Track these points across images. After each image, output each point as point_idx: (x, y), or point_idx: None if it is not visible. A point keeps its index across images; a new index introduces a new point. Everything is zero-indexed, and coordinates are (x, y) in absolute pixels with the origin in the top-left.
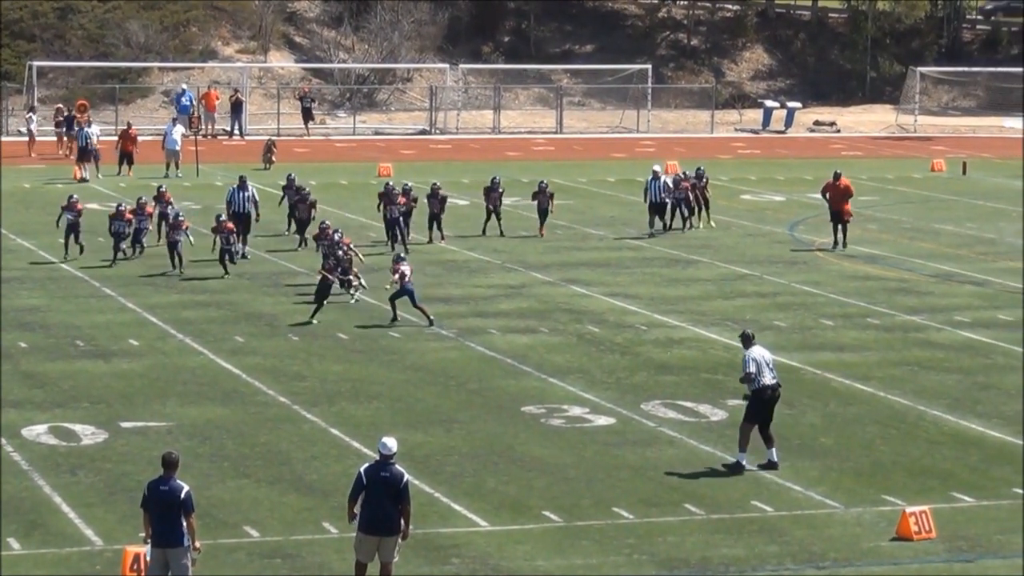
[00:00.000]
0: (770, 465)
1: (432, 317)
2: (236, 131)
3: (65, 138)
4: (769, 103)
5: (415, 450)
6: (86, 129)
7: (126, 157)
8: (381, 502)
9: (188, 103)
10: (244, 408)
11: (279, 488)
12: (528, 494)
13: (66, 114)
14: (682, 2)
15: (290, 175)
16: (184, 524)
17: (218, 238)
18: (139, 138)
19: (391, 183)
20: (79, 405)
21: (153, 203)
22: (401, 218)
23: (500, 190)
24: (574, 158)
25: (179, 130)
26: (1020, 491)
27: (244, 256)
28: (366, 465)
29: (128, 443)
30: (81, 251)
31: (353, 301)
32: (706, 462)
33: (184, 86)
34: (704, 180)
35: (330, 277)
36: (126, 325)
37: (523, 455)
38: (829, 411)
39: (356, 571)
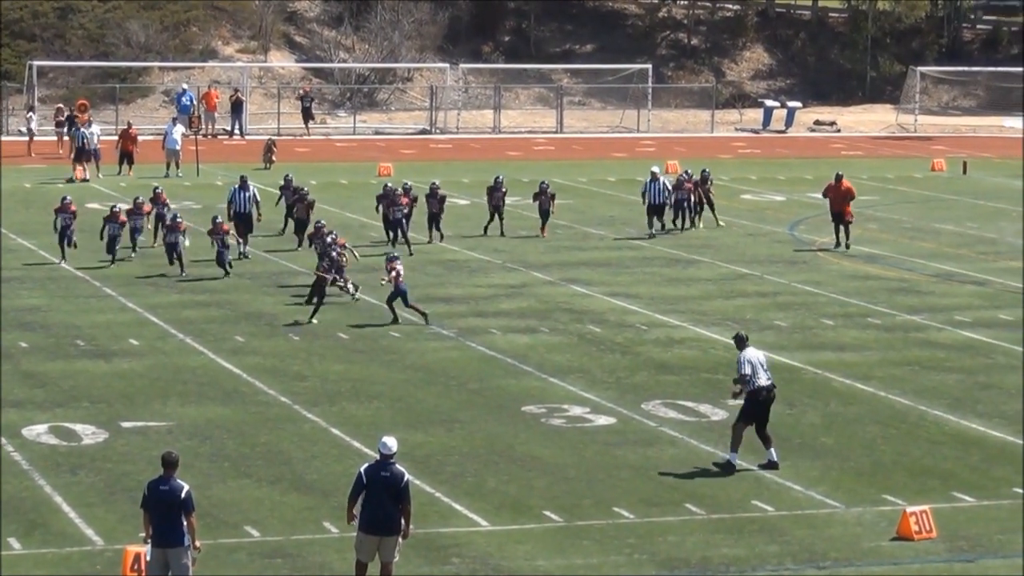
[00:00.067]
0: (770, 465)
1: (426, 313)
2: (236, 131)
3: (65, 138)
4: (769, 103)
5: (416, 450)
6: (83, 129)
7: (126, 157)
8: (382, 502)
9: (188, 103)
10: (245, 408)
11: (280, 488)
12: (529, 494)
13: (67, 114)
14: (682, 2)
15: (288, 175)
16: (184, 524)
17: (215, 240)
18: (139, 138)
19: (390, 184)
20: (79, 405)
21: (150, 204)
22: (404, 219)
23: (503, 190)
24: (574, 158)
25: (179, 130)
26: (1021, 491)
27: (245, 256)
28: (366, 465)
29: (129, 443)
30: (74, 247)
31: (355, 299)
32: (707, 462)
33: (185, 86)
34: (709, 182)
35: (327, 277)
36: (126, 325)
37: (524, 455)
38: (830, 411)
39: (356, 571)
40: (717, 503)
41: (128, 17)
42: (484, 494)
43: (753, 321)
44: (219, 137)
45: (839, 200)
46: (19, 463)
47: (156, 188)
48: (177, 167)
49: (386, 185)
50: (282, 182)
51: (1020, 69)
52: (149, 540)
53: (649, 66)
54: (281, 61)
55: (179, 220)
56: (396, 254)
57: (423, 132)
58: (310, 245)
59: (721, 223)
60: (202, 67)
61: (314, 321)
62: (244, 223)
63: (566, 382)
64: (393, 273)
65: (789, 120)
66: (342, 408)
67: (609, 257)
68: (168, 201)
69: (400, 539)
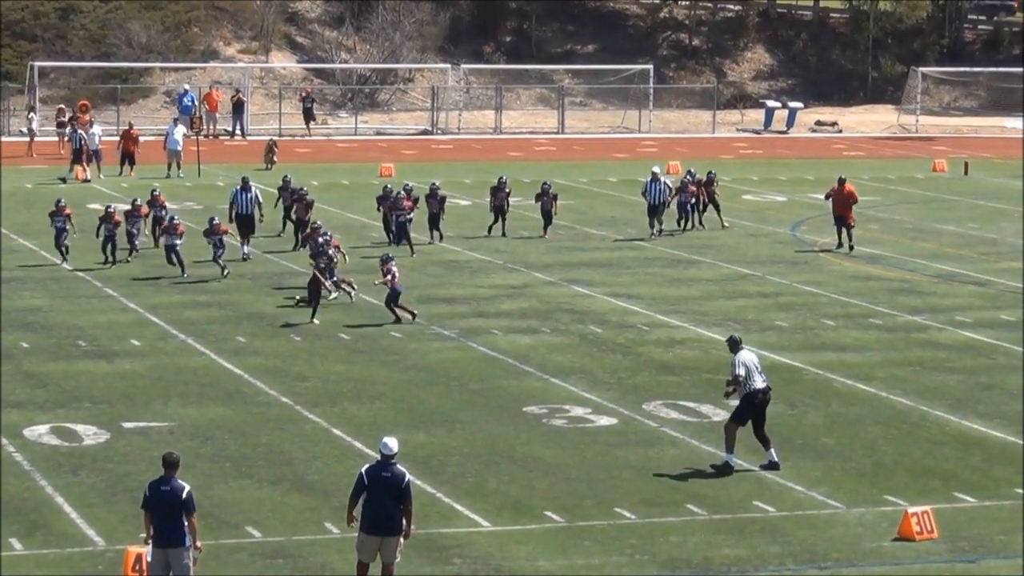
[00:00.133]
0: (771, 465)
1: (414, 311)
2: (238, 131)
3: (66, 139)
4: (771, 103)
5: (417, 450)
6: (79, 130)
7: (127, 157)
8: (383, 502)
9: (190, 103)
10: (246, 408)
11: (281, 488)
12: (530, 494)
13: (69, 115)
14: (684, 2)
15: (286, 176)
16: (185, 524)
17: (211, 241)
18: (141, 138)
19: (389, 185)
20: (81, 405)
21: (147, 206)
22: (407, 222)
23: (507, 190)
24: (576, 158)
25: (180, 130)
26: (1022, 491)
27: (246, 257)
28: (367, 465)
29: (130, 443)
30: (66, 251)
31: (351, 300)
32: (708, 462)
33: (186, 86)
34: (715, 183)
35: (321, 278)
36: (128, 325)
37: (525, 455)
38: (831, 411)
39: (358, 571)
40: (718, 503)
41: (129, 18)
42: (485, 494)
43: (754, 321)
44: (220, 138)
45: (841, 204)
46: (20, 463)
47: (154, 190)
48: (178, 168)
49: (386, 186)
50: (280, 183)
51: (1021, 69)
52: (150, 541)
53: (650, 67)
54: (282, 62)
55: (177, 222)
56: (392, 255)
57: (424, 133)
58: (304, 245)
59: (726, 224)
60: (203, 68)
61: (315, 321)
62: (246, 224)
63: (567, 383)
64: (388, 276)
65: (790, 121)
66: (343, 408)
67: (610, 258)
68: (166, 203)
69: (401, 539)
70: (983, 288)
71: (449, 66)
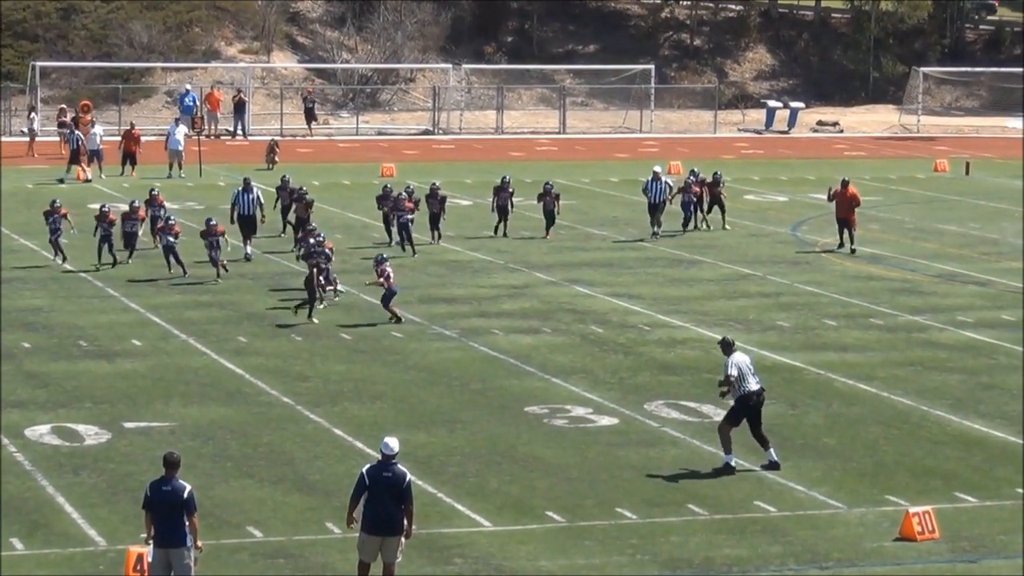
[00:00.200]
0: (772, 465)
1: (400, 317)
2: (239, 131)
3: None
4: (772, 103)
5: (418, 450)
6: (76, 131)
7: (129, 157)
8: (384, 502)
9: (191, 103)
10: (247, 408)
11: (282, 488)
12: (531, 494)
13: (72, 115)
14: (685, 2)
15: (284, 176)
16: (187, 524)
17: (208, 241)
18: (142, 138)
19: (389, 185)
20: (82, 405)
21: (144, 206)
22: (408, 223)
23: (510, 190)
24: (577, 158)
25: (182, 130)
26: (1023, 491)
27: (248, 258)
28: (368, 465)
29: (131, 443)
30: (55, 255)
31: (336, 299)
32: (709, 462)
33: (188, 86)
34: (721, 184)
35: (318, 278)
36: (129, 325)
37: (526, 455)
38: (832, 411)
39: (359, 571)
40: (719, 503)
41: (131, 18)
42: (486, 494)
43: (756, 321)
44: (222, 138)
45: (844, 206)
46: (22, 463)
47: (152, 189)
48: (180, 168)
49: (386, 186)
50: (279, 183)
51: (1022, 70)
52: (151, 541)
53: (652, 67)
54: (284, 62)
55: (172, 222)
56: (386, 256)
57: (426, 133)
58: (298, 245)
59: (727, 226)
60: (205, 68)
61: (314, 320)
62: (248, 225)
63: (568, 383)
64: (382, 277)
65: (792, 121)
66: (344, 408)
67: (611, 258)
68: (164, 202)
69: (403, 539)
70: (984, 288)
71: (450, 66)
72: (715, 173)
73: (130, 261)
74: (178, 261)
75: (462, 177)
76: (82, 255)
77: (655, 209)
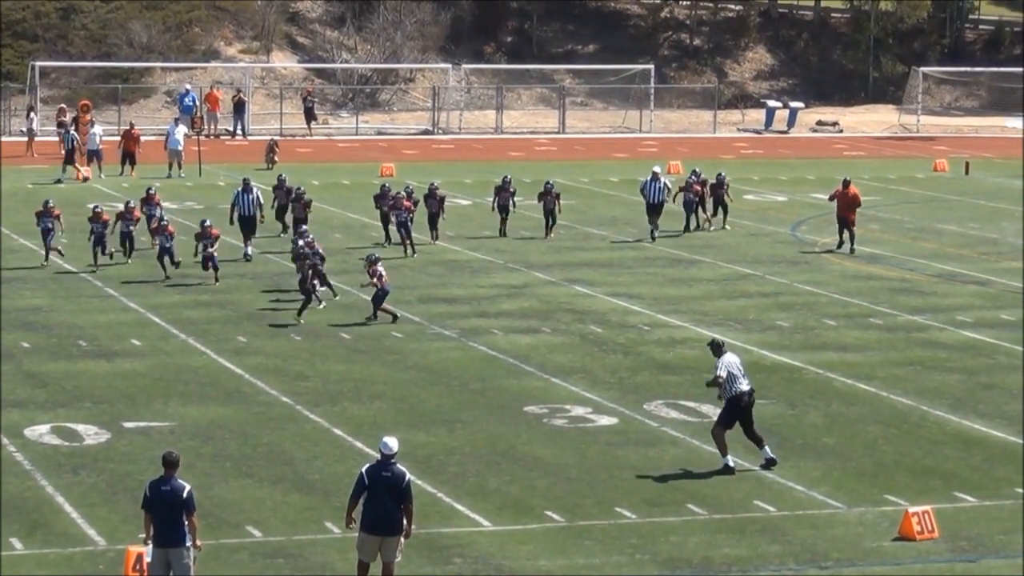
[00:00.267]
0: (769, 463)
1: (378, 315)
2: (239, 131)
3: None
4: (772, 103)
5: (417, 450)
6: (72, 131)
7: (128, 157)
8: (383, 502)
9: (191, 103)
10: (247, 408)
11: (282, 488)
12: (530, 494)
13: (72, 115)
14: (684, 2)
15: (281, 176)
16: (186, 524)
17: (201, 244)
18: (142, 138)
19: (387, 185)
20: (82, 405)
21: (141, 205)
22: (407, 221)
23: (511, 190)
24: (576, 158)
25: (181, 130)
26: (1022, 491)
27: (248, 258)
28: (367, 465)
29: (131, 443)
30: (58, 252)
31: (335, 297)
32: (709, 462)
33: (187, 86)
34: (725, 185)
35: (314, 280)
36: (128, 325)
37: (525, 455)
38: (831, 411)
39: (358, 571)
40: (719, 503)
41: (130, 17)
42: (486, 494)
43: (755, 321)
44: (221, 137)
45: (845, 206)
46: (21, 463)
47: (149, 188)
48: (179, 167)
49: (383, 185)
50: (275, 182)
51: (1022, 69)
52: (150, 541)
53: (651, 66)
54: (283, 62)
55: (166, 223)
56: (377, 255)
57: (425, 132)
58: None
59: (727, 227)
60: (204, 68)
61: (301, 320)
62: (248, 225)
63: (568, 382)
64: (375, 278)
65: (791, 120)
66: (344, 408)
67: (611, 257)
68: (161, 202)
69: (402, 539)
70: (984, 288)
71: (450, 66)
72: (719, 174)
73: (129, 261)
74: (172, 262)
75: (462, 177)
76: (81, 255)
77: (653, 210)
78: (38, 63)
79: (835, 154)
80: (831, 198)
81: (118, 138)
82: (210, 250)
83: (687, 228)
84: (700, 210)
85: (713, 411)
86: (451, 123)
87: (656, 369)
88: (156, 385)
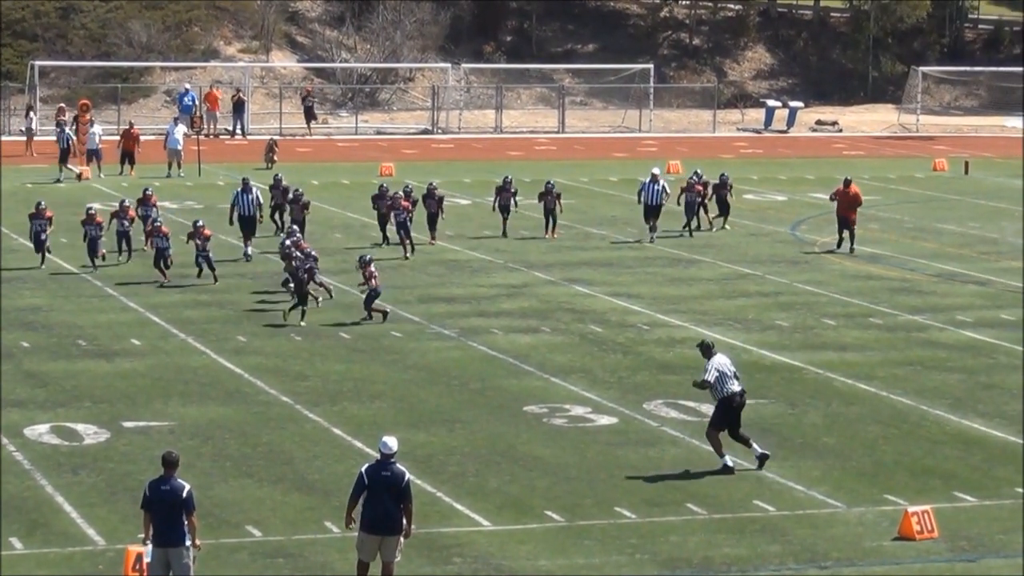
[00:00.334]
0: (762, 458)
1: (375, 314)
2: (238, 131)
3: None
4: (771, 103)
5: (417, 450)
6: (67, 130)
7: (128, 157)
8: (383, 501)
9: (190, 103)
10: (246, 408)
11: (281, 488)
12: (530, 494)
13: (73, 115)
14: (684, 2)
15: (277, 176)
16: (185, 523)
17: (195, 244)
18: (141, 138)
19: (385, 185)
20: (81, 405)
21: (137, 205)
22: (407, 221)
23: (512, 189)
24: (576, 158)
25: (181, 130)
26: (1022, 491)
27: (248, 257)
28: (367, 465)
29: (130, 443)
30: (48, 252)
31: (330, 297)
32: (708, 462)
33: (187, 86)
34: (729, 186)
35: (311, 281)
36: (128, 325)
37: (525, 455)
38: (831, 411)
39: (358, 571)
40: (719, 503)
41: (130, 17)
42: (486, 494)
43: (755, 321)
44: (221, 137)
45: (846, 205)
46: (21, 463)
47: (146, 190)
48: (179, 167)
49: (381, 186)
50: (271, 182)
51: (1021, 69)
52: (149, 541)
53: (651, 66)
54: (283, 61)
55: (159, 223)
56: (370, 257)
57: (425, 132)
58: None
59: (727, 227)
60: (204, 67)
61: (286, 320)
62: (248, 225)
63: (568, 382)
64: (371, 279)
65: (791, 120)
66: (343, 408)
67: (611, 257)
68: (157, 203)
69: (402, 539)
70: (983, 287)
71: (449, 65)
72: (722, 175)
73: (127, 260)
74: (166, 264)
75: (461, 176)
76: (80, 255)
77: (651, 212)
78: (37, 62)
79: (835, 154)
80: (832, 197)
81: (117, 138)
82: (206, 251)
83: (688, 228)
84: (703, 211)
85: (712, 410)
86: (450, 123)
87: (656, 369)
88: (156, 385)
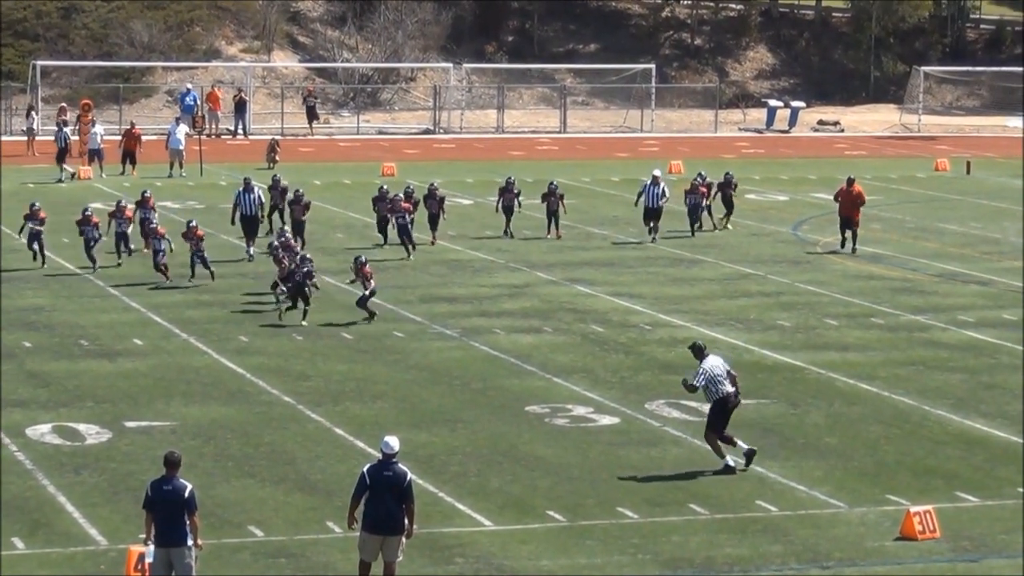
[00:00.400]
0: (749, 454)
1: (375, 314)
2: (240, 131)
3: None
4: (773, 102)
5: (419, 449)
6: (65, 130)
7: (129, 157)
8: (385, 501)
9: (192, 103)
10: (248, 408)
11: (283, 488)
12: (532, 494)
13: (76, 115)
14: (686, 1)
15: (275, 176)
16: (187, 523)
17: (189, 244)
18: (143, 138)
19: (385, 187)
20: (83, 405)
21: (135, 207)
22: (407, 224)
23: (515, 191)
24: (578, 157)
25: (183, 130)
26: None
27: (251, 257)
28: (369, 465)
29: (132, 443)
30: (35, 258)
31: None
32: (710, 462)
33: (189, 86)
34: (733, 185)
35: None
36: (130, 325)
37: (527, 455)
38: (833, 411)
39: (360, 570)
40: (721, 503)
41: (131, 17)
42: (487, 494)
43: (757, 321)
44: (223, 137)
45: (849, 204)
46: (23, 463)
47: (145, 192)
48: (180, 167)
49: (382, 187)
50: (270, 182)
51: (1023, 69)
52: (150, 541)
53: (653, 66)
54: (284, 61)
55: (155, 225)
56: (366, 258)
57: (426, 132)
58: (303, 246)
59: (729, 226)
60: (205, 67)
61: (282, 320)
62: (250, 225)
63: (569, 382)
64: (370, 279)
65: (792, 120)
66: (346, 408)
67: (612, 257)
68: (155, 206)
69: (403, 539)
70: (985, 287)
71: (451, 65)
72: (727, 174)
73: (127, 256)
74: (163, 267)
75: (463, 176)
76: (79, 255)
77: (651, 215)
78: (39, 62)
79: (836, 154)
80: (836, 198)
81: (119, 137)
82: (201, 251)
83: (693, 230)
84: (708, 212)
85: None
86: (452, 122)
87: (658, 369)
88: (158, 385)
